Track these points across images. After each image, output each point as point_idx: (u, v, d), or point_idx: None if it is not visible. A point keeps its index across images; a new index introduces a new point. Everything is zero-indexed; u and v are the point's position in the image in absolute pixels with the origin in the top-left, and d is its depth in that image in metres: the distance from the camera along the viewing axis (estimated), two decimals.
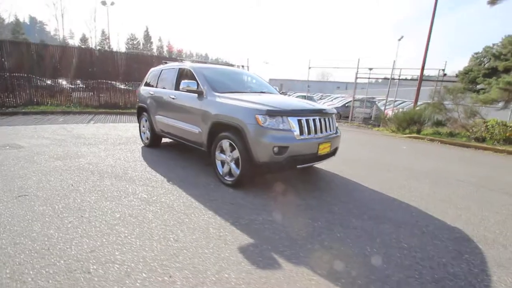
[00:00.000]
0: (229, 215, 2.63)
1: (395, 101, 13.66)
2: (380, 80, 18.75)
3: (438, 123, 8.84)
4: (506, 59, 8.34)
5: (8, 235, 2.11)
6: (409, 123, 9.11)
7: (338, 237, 2.33)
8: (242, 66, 15.05)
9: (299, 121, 3.09)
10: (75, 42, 56.68)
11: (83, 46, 35.95)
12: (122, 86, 12.36)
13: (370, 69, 12.97)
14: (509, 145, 6.89)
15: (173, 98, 4.29)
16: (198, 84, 3.78)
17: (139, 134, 5.85)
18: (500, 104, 7.88)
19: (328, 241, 2.26)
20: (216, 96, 3.58)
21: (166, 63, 5.29)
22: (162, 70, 5.00)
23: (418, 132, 8.97)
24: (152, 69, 5.50)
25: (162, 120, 4.63)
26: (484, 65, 9.65)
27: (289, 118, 3.04)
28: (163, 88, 4.77)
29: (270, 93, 4.41)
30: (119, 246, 2.04)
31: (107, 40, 51.92)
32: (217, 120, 3.39)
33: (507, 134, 7.04)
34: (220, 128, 3.42)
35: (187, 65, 4.43)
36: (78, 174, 3.56)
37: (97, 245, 2.03)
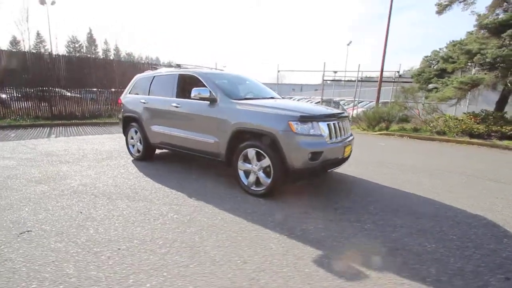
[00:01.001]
0: (279, 227, 2.50)
1: (356, 100, 14.70)
2: (343, 82, 20.00)
3: (403, 120, 9.77)
4: (454, 62, 9.60)
5: None
6: (379, 121, 9.88)
7: (394, 238, 2.38)
8: (178, 65, 14.67)
9: (328, 126, 3.10)
10: (2, 45, 49.27)
11: (14, 50, 31.38)
12: (72, 94, 11.05)
13: (335, 72, 13.77)
14: (466, 136, 7.91)
15: (176, 107, 3.96)
16: (210, 91, 3.55)
17: (124, 147, 5.29)
18: (453, 101, 9.04)
19: (389, 243, 2.29)
20: (234, 103, 3.41)
21: (155, 68, 4.90)
22: (154, 76, 4.59)
23: (387, 129, 9.79)
24: (138, 76, 5.03)
25: (161, 130, 4.25)
26: (433, 67, 10.98)
27: (320, 123, 3.03)
28: (159, 96, 4.38)
29: (278, 97, 4.36)
30: (188, 278, 1.78)
31: (43, 43, 46.22)
32: (240, 128, 3.22)
33: (463, 127, 8.09)
34: (244, 137, 3.25)
35: (190, 70, 4.15)
36: (78, 198, 3.05)
37: (161, 281, 1.75)
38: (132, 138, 4.92)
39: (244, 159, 3.29)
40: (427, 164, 5.20)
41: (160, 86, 4.46)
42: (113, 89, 11.86)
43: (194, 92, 3.54)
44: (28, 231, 2.33)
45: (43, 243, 2.14)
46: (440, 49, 10.88)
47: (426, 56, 11.68)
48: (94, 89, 11.57)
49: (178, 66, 4.45)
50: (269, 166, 3.04)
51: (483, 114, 8.90)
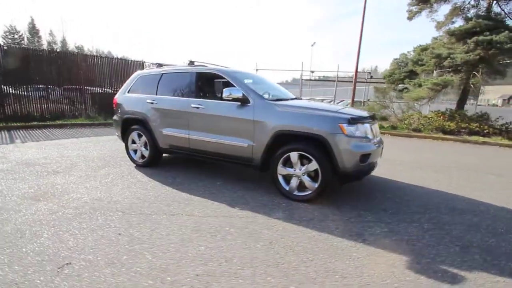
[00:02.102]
0: (347, 234, 2.41)
1: (334, 100, 15.31)
2: (311, 82, 20.62)
3: (382, 118, 10.40)
4: (422, 64, 10.50)
5: None
6: None
7: (457, 235, 2.43)
8: (160, 65, 14.01)
9: (371, 127, 3.10)
10: None
11: None
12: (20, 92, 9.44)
13: (312, 71, 14.12)
14: (440, 133, 8.71)
15: (198, 108, 3.62)
16: (242, 92, 3.30)
17: (116, 152, 4.73)
18: (425, 101, 9.91)
19: (457, 241, 2.32)
20: (272, 104, 3.22)
21: (161, 66, 4.44)
22: (162, 74, 4.15)
23: None
24: (140, 73, 4.51)
25: (176, 133, 3.85)
26: (402, 69, 11.92)
27: (365, 125, 3.00)
28: (172, 95, 3.98)
29: (300, 98, 4.26)
30: None
31: None
32: (284, 131, 3.04)
33: (436, 124, 8.89)
34: (285, 140, 3.09)
35: (211, 68, 3.82)
36: (103, 217, 2.60)
37: None
38: (134, 143, 4.40)
39: (283, 163, 3.13)
40: (424, 160, 5.57)
41: (172, 85, 4.04)
42: (78, 86, 10.61)
43: (226, 92, 3.26)
44: (67, 263, 1.90)
45: (97, 279, 1.75)
46: (408, 52, 11.86)
47: (396, 59, 12.66)
48: (43, 86, 10.02)
49: (192, 63, 4.09)
50: (316, 169, 2.93)
51: (448, 112, 9.88)
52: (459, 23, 11.25)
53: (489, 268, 1.97)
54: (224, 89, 3.29)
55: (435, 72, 10.95)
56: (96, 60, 11.17)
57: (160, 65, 4.42)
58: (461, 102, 10.66)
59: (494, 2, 9.74)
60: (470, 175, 4.56)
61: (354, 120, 2.89)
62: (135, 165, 4.44)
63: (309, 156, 2.93)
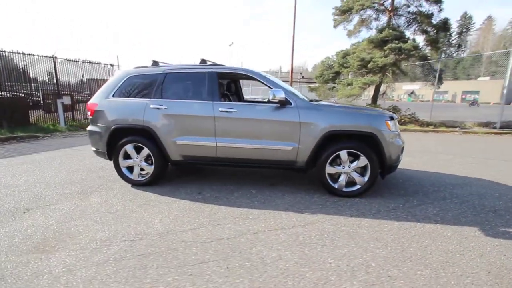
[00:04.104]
0: (419, 218, 2.68)
1: None
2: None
3: None
4: (347, 67, 12.28)
5: None
6: None
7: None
8: (111, 65, 12.07)
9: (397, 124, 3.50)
10: None
11: None
12: None
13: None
14: None
15: (228, 112, 3.26)
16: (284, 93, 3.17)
17: (91, 170, 3.78)
18: (354, 97, 11.66)
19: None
20: (316, 105, 3.23)
21: (157, 63, 3.75)
22: (167, 74, 3.51)
23: None
24: (129, 71, 3.67)
25: (198, 142, 3.36)
26: (329, 70, 13.63)
27: (396, 122, 3.37)
28: (185, 99, 3.44)
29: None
30: None
31: None
32: (335, 130, 3.08)
33: None
34: (334, 139, 3.16)
35: (236, 68, 3.50)
36: (183, 255, 2.09)
37: None
38: (127, 158, 3.59)
39: (330, 162, 3.20)
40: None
41: (184, 87, 3.49)
42: None
43: (272, 94, 3.07)
44: None
45: None
46: (332, 55, 13.71)
47: (323, 61, 14.36)
48: None
49: (204, 62, 3.61)
50: (365, 165, 3.12)
51: (368, 106, 11.96)
52: (363, 32, 13.80)
53: None
54: (270, 91, 3.10)
55: (350, 75, 13.02)
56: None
57: (156, 63, 3.73)
58: (375, 98, 13.03)
59: (393, 15, 12.32)
60: (426, 155, 5.71)
61: (391, 118, 3.23)
62: (130, 185, 3.64)
63: (357, 153, 3.11)
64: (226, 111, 3.28)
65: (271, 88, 3.22)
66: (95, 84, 11.08)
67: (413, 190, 3.48)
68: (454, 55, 21.56)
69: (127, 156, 3.59)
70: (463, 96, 43.08)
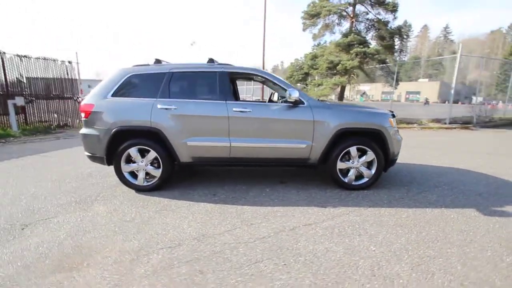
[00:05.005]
0: (426, 204, 3.00)
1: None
2: None
3: None
4: (316, 68, 12.92)
5: None
6: None
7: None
8: (69, 62, 10.93)
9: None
10: None
11: None
12: None
13: None
14: None
15: (243, 112, 3.24)
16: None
17: (82, 175, 3.47)
18: (324, 97, 12.31)
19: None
20: (327, 104, 3.40)
21: (160, 62, 3.55)
22: (173, 73, 3.35)
23: None
24: (129, 69, 3.40)
25: (211, 143, 3.28)
26: (299, 71, 14.18)
27: (395, 119, 3.69)
28: (194, 99, 3.32)
29: None
30: None
31: None
32: (347, 128, 3.26)
33: None
34: (345, 137, 3.34)
35: (243, 67, 3.45)
36: (236, 261, 2.05)
37: None
38: (131, 162, 3.35)
39: (340, 158, 3.39)
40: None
41: (193, 86, 3.38)
42: None
43: (288, 94, 3.15)
44: None
45: None
46: (300, 57, 14.31)
47: (292, 63, 14.85)
48: None
49: (211, 61, 3.52)
50: (372, 160, 3.38)
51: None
52: (327, 36, 14.71)
53: None
54: (288, 91, 3.17)
55: (317, 76, 13.76)
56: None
57: (158, 61, 3.53)
58: (341, 98, 13.93)
59: (354, 22, 13.31)
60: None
61: (393, 115, 3.54)
62: (135, 190, 3.40)
63: (365, 148, 3.35)
64: (241, 111, 3.26)
65: (284, 89, 3.31)
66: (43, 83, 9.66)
67: (408, 181, 3.86)
68: (397, 59, 24.14)
69: (129, 161, 3.35)
70: (407, 96, 48.03)
